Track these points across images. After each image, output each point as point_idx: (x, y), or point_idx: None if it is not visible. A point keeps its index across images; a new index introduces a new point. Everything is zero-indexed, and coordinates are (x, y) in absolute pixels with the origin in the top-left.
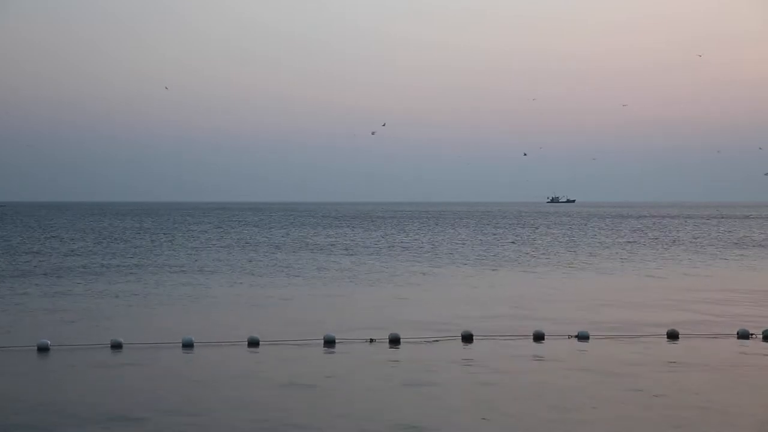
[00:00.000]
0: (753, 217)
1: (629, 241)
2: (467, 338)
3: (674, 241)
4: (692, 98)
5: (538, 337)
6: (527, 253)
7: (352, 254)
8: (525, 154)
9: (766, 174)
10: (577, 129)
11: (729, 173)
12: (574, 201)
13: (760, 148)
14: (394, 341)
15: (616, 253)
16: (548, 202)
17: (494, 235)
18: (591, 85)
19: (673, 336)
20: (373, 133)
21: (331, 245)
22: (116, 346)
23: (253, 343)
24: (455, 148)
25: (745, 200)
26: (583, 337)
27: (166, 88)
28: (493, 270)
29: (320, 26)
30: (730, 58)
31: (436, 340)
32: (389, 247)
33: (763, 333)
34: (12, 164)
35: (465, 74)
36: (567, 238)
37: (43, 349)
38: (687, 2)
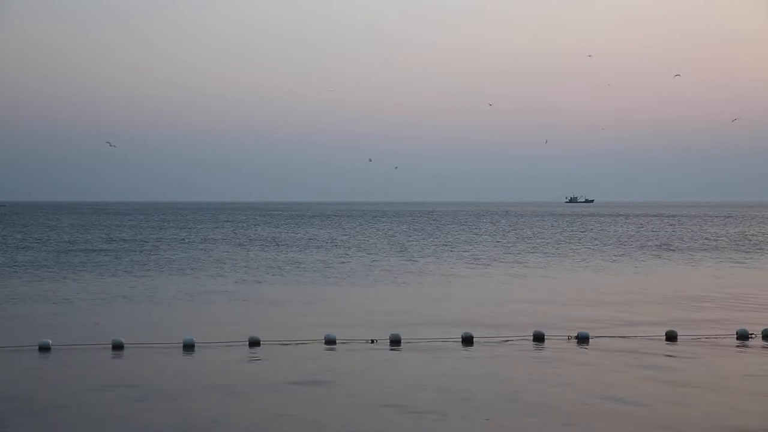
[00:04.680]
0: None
1: (622, 243)
2: (468, 340)
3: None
4: (692, 98)
5: (538, 338)
6: (523, 252)
7: (349, 253)
8: (370, 160)
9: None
10: (576, 128)
11: (730, 173)
12: (592, 201)
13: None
14: (395, 342)
15: (606, 252)
16: (566, 202)
17: (491, 234)
18: (590, 84)
19: (671, 337)
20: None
21: (330, 244)
22: (117, 347)
23: (254, 344)
24: (467, 149)
25: (747, 200)
26: (583, 338)
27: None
28: (492, 269)
29: (321, 25)
30: (730, 58)
31: (437, 341)
32: (388, 245)
33: (762, 333)
34: (12, 164)
35: (465, 74)
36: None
37: (44, 349)
38: (687, 2)
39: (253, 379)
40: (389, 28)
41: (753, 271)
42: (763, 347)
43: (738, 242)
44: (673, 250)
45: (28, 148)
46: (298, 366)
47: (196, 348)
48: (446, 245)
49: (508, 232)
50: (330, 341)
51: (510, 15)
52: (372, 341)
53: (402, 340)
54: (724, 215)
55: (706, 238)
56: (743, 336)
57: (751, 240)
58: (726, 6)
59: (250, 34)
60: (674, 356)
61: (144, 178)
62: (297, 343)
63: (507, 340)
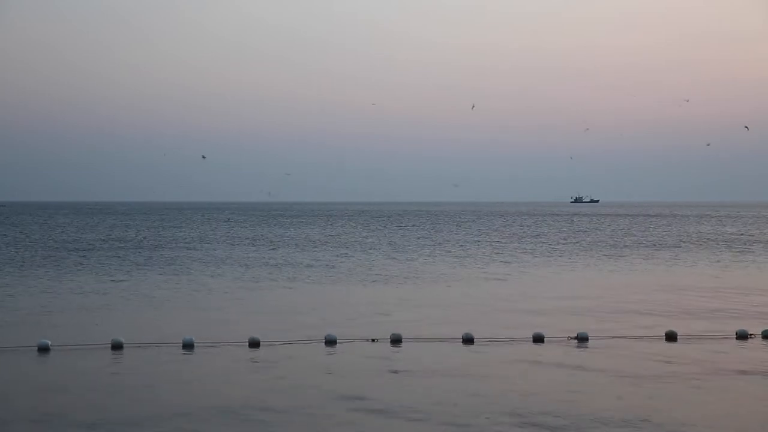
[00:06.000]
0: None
1: (612, 244)
2: (468, 340)
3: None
4: (692, 98)
5: (538, 339)
6: (521, 252)
7: (348, 253)
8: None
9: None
10: (577, 128)
11: (730, 173)
12: (598, 201)
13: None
14: (396, 341)
15: (602, 252)
16: (572, 202)
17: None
18: (591, 84)
19: (671, 337)
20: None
21: (329, 244)
22: (117, 347)
23: (254, 344)
24: (467, 149)
25: (747, 200)
26: (582, 339)
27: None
28: (491, 269)
29: (321, 25)
30: (730, 58)
31: (438, 341)
32: (388, 245)
33: (762, 333)
34: (12, 164)
35: (465, 74)
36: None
37: (43, 350)
38: (687, 2)
39: (250, 384)
40: (389, 28)
41: (752, 270)
42: (763, 347)
43: (736, 242)
44: (673, 249)
45: (28, 148)
46: (300, 367)
47: (195, 348)
48: (445, 245)
49: (509, 232)
50: (330, 341)
51: (510, 15)
52: (373, 340)
53: (403, 340)
54: (725, 215)
55: (705, 239)
56: (743, 336)
57: (748, 239)
58: (726, 6)
59: (250, 34)
60: (674, 356)
61: (144, 178)
62: (297, 343)
63: (507, 341)
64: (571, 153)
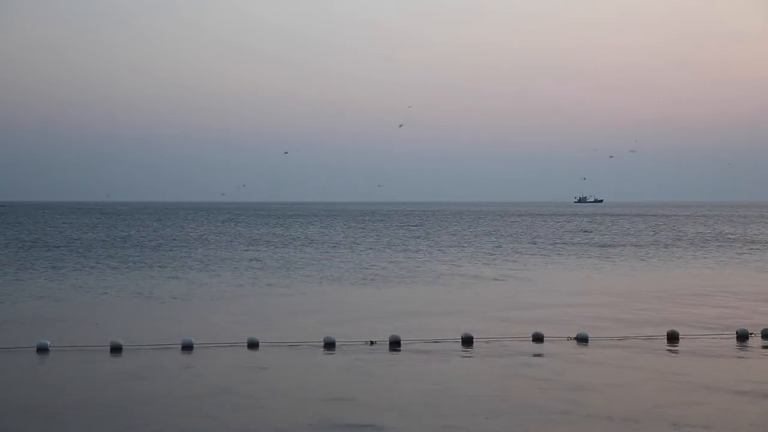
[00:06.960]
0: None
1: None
2: (467, 341)
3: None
4: (692, 98)
5: (538, 339)
6: (525, 252)
7: (348, 253)
8: (611, 156)
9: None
10: (576, 128)
11: (730, 173)
12: (601, 201)
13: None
14: (395, 343)
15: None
16: (576, 202)
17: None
18: (591, 84)
19: (673, 337)
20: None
21: (328, 244)
22: (116, 349)
23: (253, 345)
24: (467, 149)
25: (747, 200)
26: (582, 339)
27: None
28: (490, 269)
29: (321, 25)
30: (730, 58)
31: (437, 342)
32: (387, 245)
33: (762, 332)
34: (12, 164)
35: (465, 74)
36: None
37: (42, 350)
38: (687, 2)
39: (250, 386)
40: (389, 28)
41: (751, 270)
42: (763, 346)
43: (736, 242)
44: (673, 249)
45: (28, 148)
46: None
47: (194, 349)
48: (444, 245)
49: (509, 232)
50: (329, 343)
51: (510, 15)
52: (371, 343)
53: (402, 342)
54: (727, 215)
55: (705, 239)
56: (743, 336)
57: (748, 239)
58: (726, 6)
59: (250, 34)
60: (676, 357)
61: (144, 178)
62: (296, 345)
63: (507, 341)
64: (571, 153)
